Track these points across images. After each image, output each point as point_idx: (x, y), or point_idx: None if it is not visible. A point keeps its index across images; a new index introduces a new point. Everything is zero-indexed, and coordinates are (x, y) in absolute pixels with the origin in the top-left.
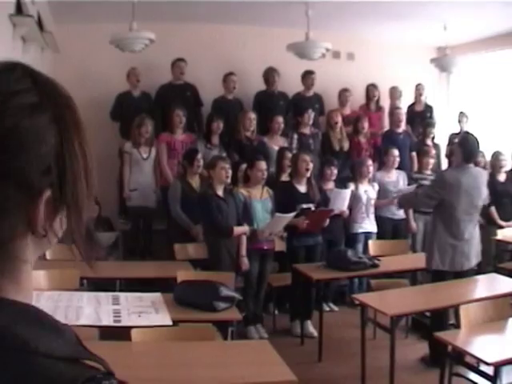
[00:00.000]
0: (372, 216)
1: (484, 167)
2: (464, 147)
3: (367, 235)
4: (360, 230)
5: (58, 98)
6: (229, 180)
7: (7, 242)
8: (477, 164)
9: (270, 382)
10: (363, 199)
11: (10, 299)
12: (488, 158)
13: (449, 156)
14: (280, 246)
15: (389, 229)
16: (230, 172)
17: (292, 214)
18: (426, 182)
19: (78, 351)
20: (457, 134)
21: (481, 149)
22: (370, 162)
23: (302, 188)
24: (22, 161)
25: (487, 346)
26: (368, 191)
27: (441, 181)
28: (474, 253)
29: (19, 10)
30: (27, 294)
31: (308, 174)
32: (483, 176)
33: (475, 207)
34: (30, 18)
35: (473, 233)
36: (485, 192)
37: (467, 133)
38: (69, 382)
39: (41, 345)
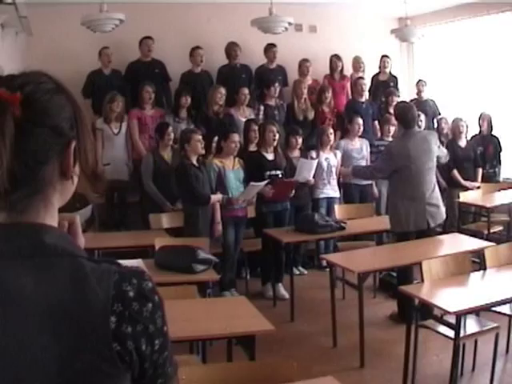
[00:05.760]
0: (334, 182)
1: (446, 133)
2: (400, 116)
3: (329, 200)
4: (322, 196)
5: (64, 86)
6: (203, 151)
7: (46, 187)
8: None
9: (251, 331)
10: (324, 166)
11: (53, 226)
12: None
13: None
14: (253, 212)
15: (356, 194)
16: (203, 143)
17: (264, 183)
18: None
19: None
20: (412, 100)
21: (442, 115)
22: (330, 130)
23: (270, 156)
24: (59, 120)
25: (449, 298)
26: (329, 158)
27: (388, 153)
28: (439, 211)
29: None
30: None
31: (275, 144)
32: (431, 135)
33: (429, 168)
34: (11, 6)
35: (433, 192)
36: (437, 151)
37: (400, 102)
38: (105, 271)
39: (78, 252)
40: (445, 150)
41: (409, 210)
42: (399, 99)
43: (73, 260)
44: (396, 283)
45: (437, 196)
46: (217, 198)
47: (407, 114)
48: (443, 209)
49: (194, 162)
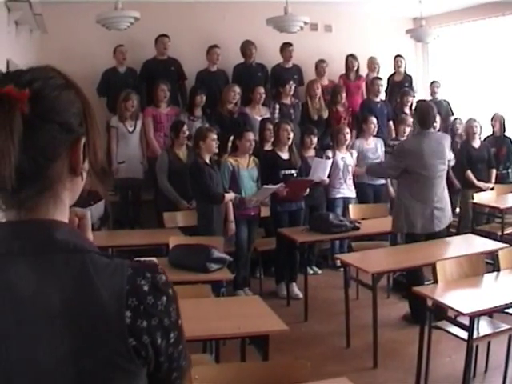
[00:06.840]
0: (350, 181)
1: (460, 134)
2: (418, 115)
3: (345, 200)
4: (338, 195)
5: (73, 81)
6: (216, 150)
7: (55, 184)
8: (435, 128)
9: (264, 331)
10: (340, 166)
11: (63, 222)
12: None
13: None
14: (265, 211)
15: (370, 194)
16: (218, 143)
17: (278, 186)
18: None
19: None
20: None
21: (456, 115)
22: (347, 130)
23: (285, 155)
24: (68, 116)
25: (463, 299)
26: (345, 158)
27: (401, 151)
28: (445, 214)
29: None
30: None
31: (289, 142)
32: (445, 139)
33: (440, 171)
34: (25, 3)
35: (441, 195)
36: (448, 155)
37: (420, 100)
38: (119, 265)
39: (90, 247)
40: (452, 155)
41: (417, 213)
42: (414, 99)
43: (85, 255)
44: (406, 282)
45: (445, 199)
46: (230, 196)
47: (429, 113)
48: (449, 211)
49: (207, 160)
